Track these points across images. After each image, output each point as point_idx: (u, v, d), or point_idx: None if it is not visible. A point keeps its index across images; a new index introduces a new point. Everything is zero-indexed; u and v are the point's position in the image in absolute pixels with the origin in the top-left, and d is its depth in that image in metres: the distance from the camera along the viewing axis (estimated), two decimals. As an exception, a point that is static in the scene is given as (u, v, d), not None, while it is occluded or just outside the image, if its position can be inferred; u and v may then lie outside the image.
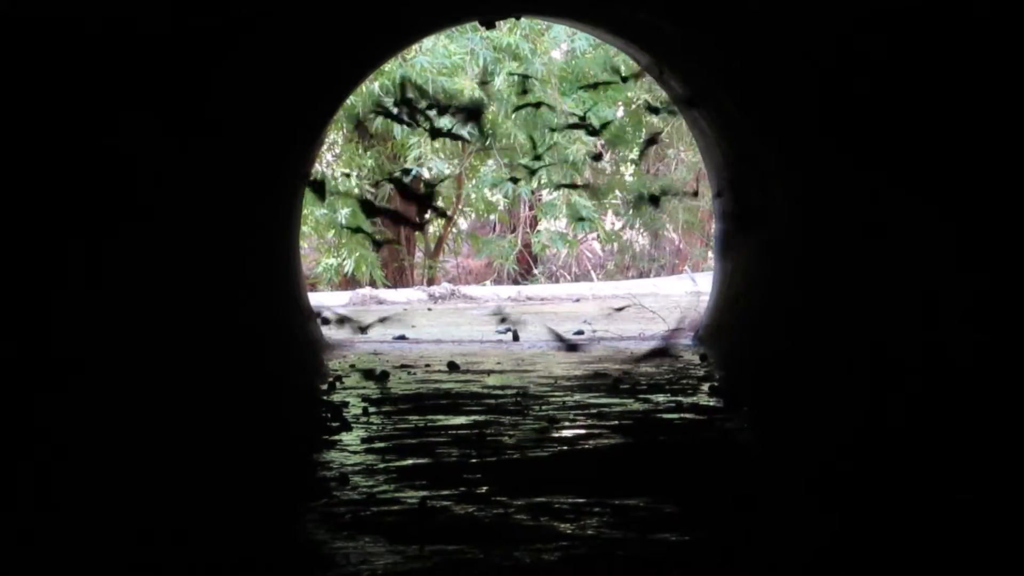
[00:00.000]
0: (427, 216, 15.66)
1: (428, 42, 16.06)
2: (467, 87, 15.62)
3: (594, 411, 6.20)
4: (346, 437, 5.57)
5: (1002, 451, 4.63)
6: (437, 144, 16.53)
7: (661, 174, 20.58)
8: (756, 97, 7.17)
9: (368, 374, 7.60)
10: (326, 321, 8.65)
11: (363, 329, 7.27)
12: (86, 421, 4.77)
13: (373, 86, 15.44)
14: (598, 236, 20.75)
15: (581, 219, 17.36)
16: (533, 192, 18.91)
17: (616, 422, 5.90)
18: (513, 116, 16.67)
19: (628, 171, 20.57)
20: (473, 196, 19.21)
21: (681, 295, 15.28)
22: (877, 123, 5.68)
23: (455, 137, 6.72)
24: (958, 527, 3.93)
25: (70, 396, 4.72)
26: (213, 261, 6.31)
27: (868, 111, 5.72)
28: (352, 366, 8.34)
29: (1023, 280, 4.74)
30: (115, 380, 5.06)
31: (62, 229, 4.71)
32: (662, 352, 5.75)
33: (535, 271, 20.91)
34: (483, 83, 8.96)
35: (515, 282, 19.86)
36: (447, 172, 17.03)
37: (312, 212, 16.99)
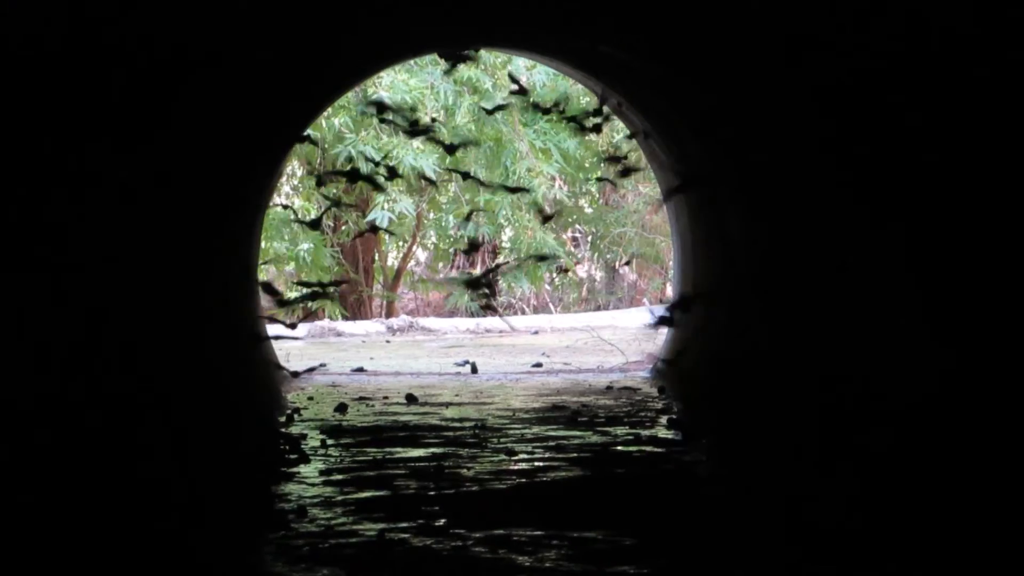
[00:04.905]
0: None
1: (387, 78, 16.06)
2: (426, 119, 15.64)
3: (552, 443, 6.19)
4: (304, 469, 5.54)
5: (970, 478, 4.65)
6: (400, 185, 16.51)
7: (618, 207, 20.61)
8: (711, 123, 7.22)
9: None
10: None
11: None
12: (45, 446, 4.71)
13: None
14: (561, 267, 20.69)
15: (543, 258, 17.25)
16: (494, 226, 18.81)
17: (575, 454, 5.90)
18: (474, 152, 16.69)
19: (586, 203, 20.61)
20: (434, 234, 19.26)
21: (639, 327, 15.30)
22: (840, 146, 5.66)
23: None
24: (924, 558, 3.95)
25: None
26: (169, 290, 6.26)
27: (832, 134, 5.71)
28: (310, 398, 8.30)
29: (991, 304, 4.70)
30: (71, 405, 5.00)
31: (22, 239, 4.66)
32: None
33: (494, 302, 20.85)
34: (433, 120, 9.13)
35: (472, 315, 19.80)
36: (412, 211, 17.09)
37: (271, 245, 16.89)
